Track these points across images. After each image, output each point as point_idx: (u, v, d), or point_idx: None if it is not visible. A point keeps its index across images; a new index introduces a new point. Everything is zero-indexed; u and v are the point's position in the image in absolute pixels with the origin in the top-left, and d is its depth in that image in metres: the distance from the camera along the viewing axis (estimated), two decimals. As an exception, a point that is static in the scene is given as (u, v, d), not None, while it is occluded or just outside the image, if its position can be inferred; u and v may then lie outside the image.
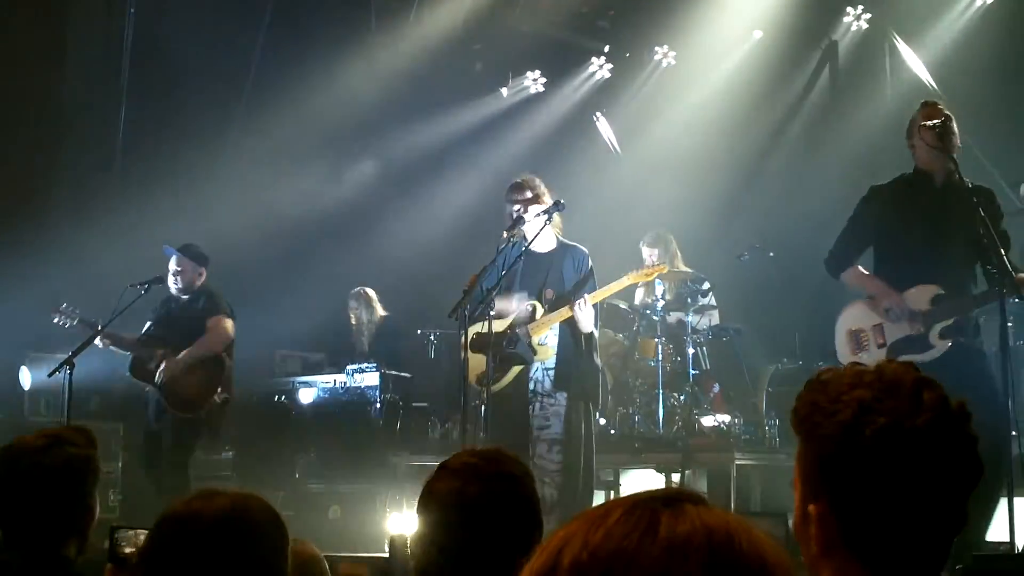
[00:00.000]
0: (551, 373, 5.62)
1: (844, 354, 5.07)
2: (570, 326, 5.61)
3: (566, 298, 5.58)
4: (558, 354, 5.63)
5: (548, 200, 5.67)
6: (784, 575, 0.95)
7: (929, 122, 4.78)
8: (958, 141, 4.85)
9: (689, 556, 0.91)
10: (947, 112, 4.86)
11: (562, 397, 5.61)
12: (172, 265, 6.84)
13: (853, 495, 1.42)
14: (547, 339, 5.63)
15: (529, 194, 5.64)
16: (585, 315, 5.50)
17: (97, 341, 6.60)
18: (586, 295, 5.52)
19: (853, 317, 5.05)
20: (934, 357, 4.66)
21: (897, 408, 1.41)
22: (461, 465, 2.09)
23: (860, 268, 5.08)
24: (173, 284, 6.84)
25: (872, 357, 4.81)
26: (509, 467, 2.11)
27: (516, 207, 5.63)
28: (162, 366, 6.62)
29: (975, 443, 1.46)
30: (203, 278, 6.93)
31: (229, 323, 6.78)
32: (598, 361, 5.90)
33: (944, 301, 4.73)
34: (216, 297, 6.86)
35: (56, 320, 6.71)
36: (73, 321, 6.69)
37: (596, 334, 5.81)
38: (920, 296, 4.78)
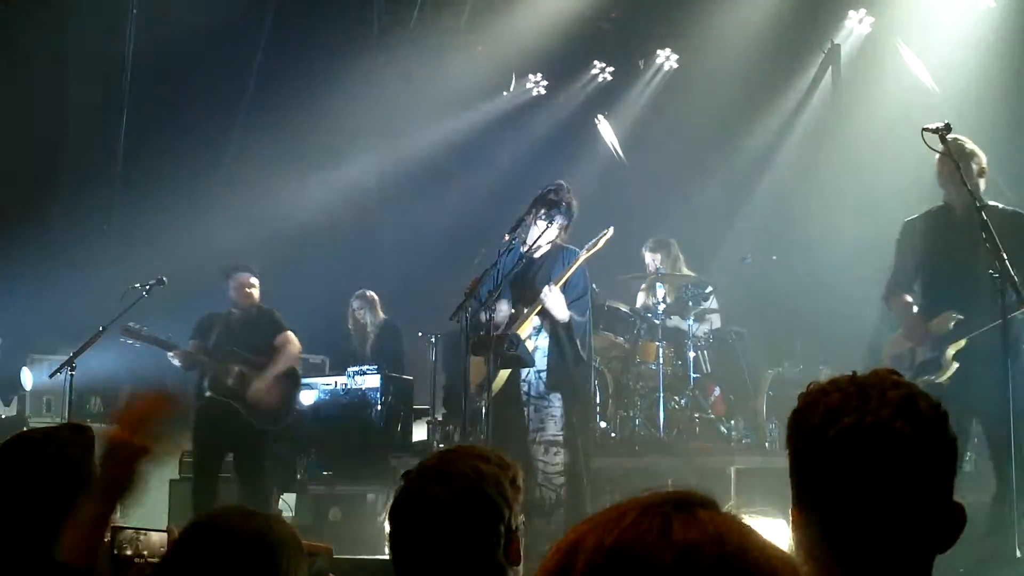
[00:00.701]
0: (543, 375, 5.58)
1: None
2: (555, 326, 5.56)
3: (537, 290, 5.53)
4: (549, 356, 5.58)
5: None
6: None
7: (931, 126, 4.71)
8: (981, 163, 4.86)
9: (701, 561, 0.92)
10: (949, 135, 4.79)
11: (556, 399, 5.57)
12: (251, 280, 6.90)
13: (826, 498, 1.43)
14: (532, 337, 5.59)
15: (565, 209, 5.65)
16: (553, 300, 5.42)
17: (172, 358, 6.61)
18: (551, 282, 5.48)
19: (896, 342, 5.32)
20: (945, 376, 4.87)
21: (862, 408, 1.42)
22: (416, 472, 2.04)
23: (902, 296, 5.30)
24: (245, 300, 6.87)
25: None
26: (460, 466, 1.99)
27: (544, 211, 5.63)
28: (252, 383, 6.70)
29: (951, 444, 1.46)
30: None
31: (295, 338, 6.99)
32: (584, 355, 5.65)
33: (960, 325, 4.96)
34: (275, 314, 7.02)
35: (126, 341, 6.54)
36: (144, 343, 6.59)
37: (583, 321, 5.62)
38: (942, 322, 5.04)
